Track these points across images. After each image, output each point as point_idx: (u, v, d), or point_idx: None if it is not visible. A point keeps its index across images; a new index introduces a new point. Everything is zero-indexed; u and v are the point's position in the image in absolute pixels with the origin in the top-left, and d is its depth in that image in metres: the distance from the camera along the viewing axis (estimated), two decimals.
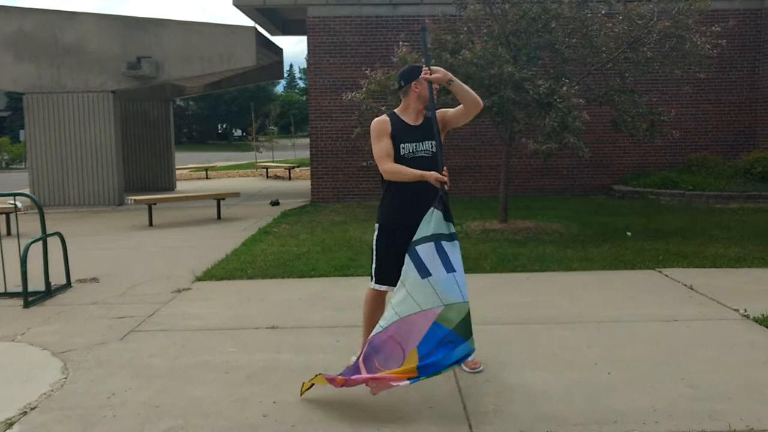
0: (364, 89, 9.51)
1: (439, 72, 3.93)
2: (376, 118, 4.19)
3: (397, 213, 4.04)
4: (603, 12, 9.30)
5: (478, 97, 4.08)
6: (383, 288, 4.12)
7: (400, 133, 4.07)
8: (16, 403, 3.82)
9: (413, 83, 4.06)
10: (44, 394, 3.96)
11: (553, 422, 3.42)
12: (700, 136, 14.38)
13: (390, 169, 4.00)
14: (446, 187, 3.79)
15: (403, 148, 4.04)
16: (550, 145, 8.39)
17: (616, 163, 14.42)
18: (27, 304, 6.03)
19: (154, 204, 11.69)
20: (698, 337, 4.76)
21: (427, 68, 3.96)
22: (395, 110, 4.21)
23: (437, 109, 4.10)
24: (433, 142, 4.00)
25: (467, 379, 4.06)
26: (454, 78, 3.97)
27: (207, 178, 23.15)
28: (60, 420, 3.59)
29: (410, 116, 4.13)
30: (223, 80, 18.88)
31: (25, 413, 3.69)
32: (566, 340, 4.76)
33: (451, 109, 4.17)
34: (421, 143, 4.04)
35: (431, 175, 3.81)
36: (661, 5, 9.28)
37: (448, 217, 3.76)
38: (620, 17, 9.31)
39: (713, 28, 9.26)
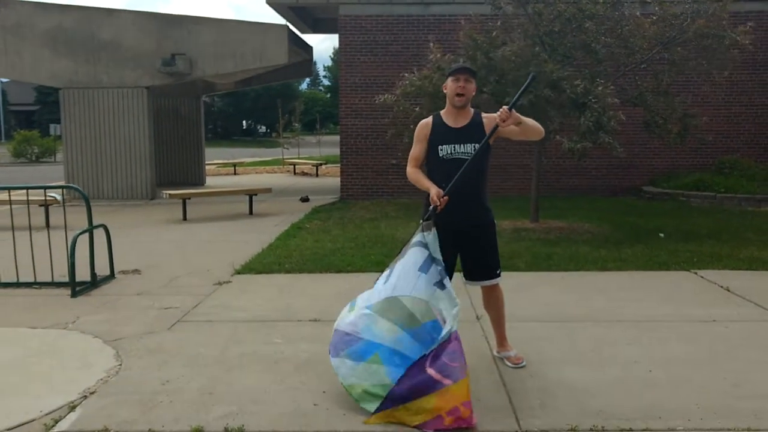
0: (399, 91, 9.56)
1: (514, 118, 3.92)
2: (423, 120, 4.31)
3: (434, 211, 4.05)
4: (638, 12, 9.30)
5: (542, 129, 4.18)
6: None
7: (438, 135, 4.16)
8: (75, 387, 3.97)
9: (447, 81, 4.20)
10: (101, 379, 4.11)
11: (599, 417, 3.49)
12: (732, 139, 14.27)
13: (410, 173, 4.28)
14: (437, 210, 3.96)
15: (441, 150, 4.12)
16: (585, 144, 8.41)
17: (646, 164, 14.36)
18: (74, 294, 6.21)
19: (189, 198, 11.88)
20: (738, 338, 4.79)
21: (506, 109, 3.93)
22: (441, 111, 4.30)
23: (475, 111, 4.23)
24: (476, 145, 4.05)
25: (510, 374, 4.14)
26: (522, 119, 4.02)
27: (235, 173, 23.41)
28: (119, 404, 3.72)
29: (450, 117, 4.20)
30: (254, 77, 19.06)
31: (85, 397, 3.83)
32: (605, 339, 4.82)
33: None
34: (460, 145, 4.09)
35: (433, 192, 3.98)
36: (695, 6, 9.26)
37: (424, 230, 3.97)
38: (654, 17, 9.31)
39: (743, 27, 9.21)
